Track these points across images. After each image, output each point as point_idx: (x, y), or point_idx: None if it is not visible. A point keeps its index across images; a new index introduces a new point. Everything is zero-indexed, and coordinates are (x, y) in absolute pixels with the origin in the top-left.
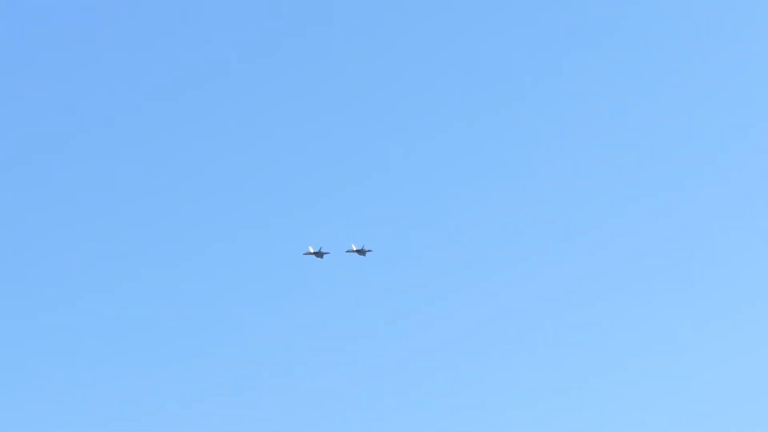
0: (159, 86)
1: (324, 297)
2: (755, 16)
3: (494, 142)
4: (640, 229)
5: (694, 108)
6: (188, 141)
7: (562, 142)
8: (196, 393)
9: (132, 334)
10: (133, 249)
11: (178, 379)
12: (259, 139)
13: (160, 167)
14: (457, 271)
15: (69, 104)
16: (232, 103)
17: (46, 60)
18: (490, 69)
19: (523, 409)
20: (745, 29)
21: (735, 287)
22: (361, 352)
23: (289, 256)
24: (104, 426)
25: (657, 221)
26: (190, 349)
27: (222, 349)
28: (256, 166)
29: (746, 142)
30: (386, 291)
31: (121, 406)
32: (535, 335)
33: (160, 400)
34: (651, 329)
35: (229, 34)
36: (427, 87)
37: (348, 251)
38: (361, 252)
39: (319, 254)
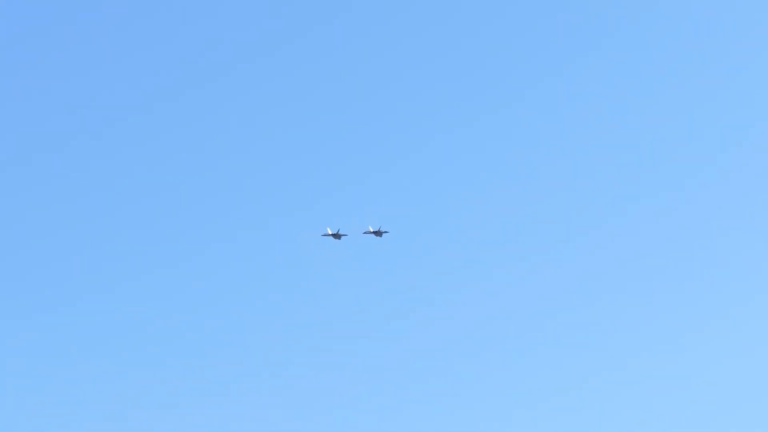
0: (158, 85)
1: (331, 290)
2: (755, 17)
3: (494, 141)
4: (640, 229)
5: (694, 108)
6: (187, 140)
7: (562, 141)
8: (196, 393)
9: (131, 334)
10: (132, 249)
11: (178, 379)
12: (259, 136)
13: (159, 167)
14: (457, 270)
15: (69, 103)
16: (232, 100)
17: (46, 59)
18: (490, 69)
19: (523, 409)
20: (746, 29)
21: (735, 287)
22: (363, 350)
23: (292, 251)
24: (104, 426)
25: (657, 221)
26: (189, 349)
27: (221, 349)
28: (256, 164)
29: (746, 142)
30: (385, 291)
31: (121, 406)
32: (535, 335)
33: (160, 400)
34: (651, 329)
35: (229, 33)
36: (427, 87)
37: (365, 232)
38: (377, 233)
39: (337, 236)
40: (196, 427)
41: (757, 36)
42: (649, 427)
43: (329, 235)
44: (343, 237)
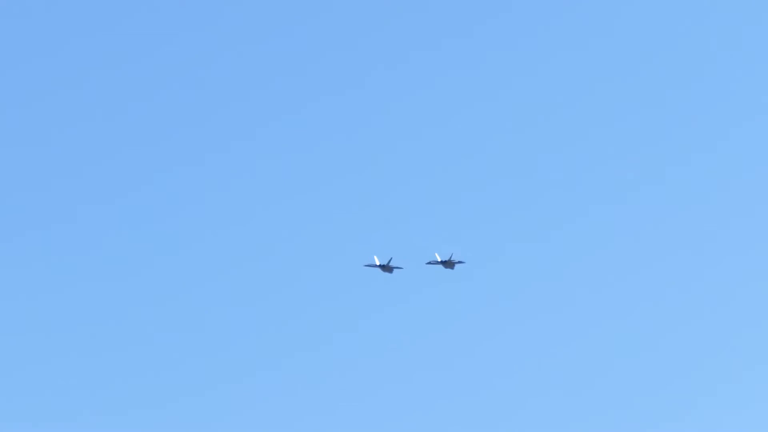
0: (156, 85)
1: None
2: (755, 17)
3: (493, 141)
4: (640, 227)
5: (694, 107)
6: (188, 139)
7: (563, 141)
8: (195, 392)
9: (130, 334)
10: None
11: (177, 378)
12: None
13: (159, 166)
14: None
15: (67, 102)
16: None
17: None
18: (489, 69)
19: (523, 409)
20: (745, 29)
21: (735, 287)
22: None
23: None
24: (103, 425)
25: (657, 220)
26: (187, 348)
27: (220, 348)
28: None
29: (746, 141)
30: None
31: (120, 405)
32: (534, 334)
33: (160, 399)
34: (651, 329)
35: (228, 31)
36: (426, 87)
37: (430, 263)
38: (448, 264)
39: (387, 268)
40: (196, 426)
41: (757, 36)
42: (648, 427)
43: (377, 266)
44: (395, 270)
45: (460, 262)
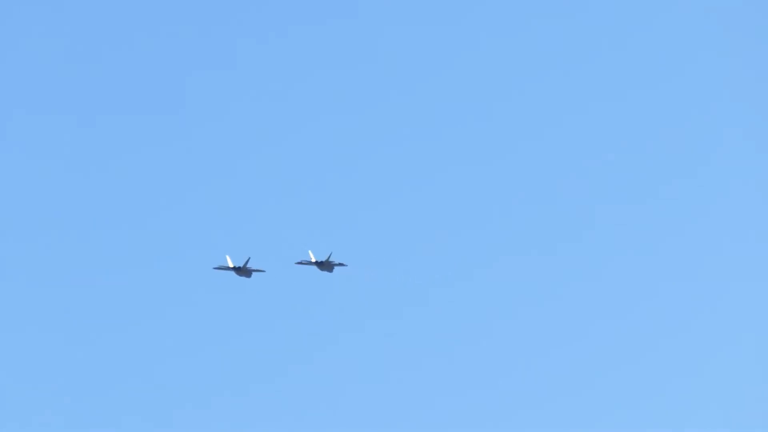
0: (157, 84)
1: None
2: (755, 17)
3: (494, 141)
4: (640, 228)
5: (694, 108)
6: (187, 139)
7: (563, 141)
8: (196, 392)
9: (130, 334)
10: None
11: (177, 379)
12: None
13: (159, 166)
14: (458, 268)
15: (67, 101)
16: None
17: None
18: (490, 69)
19: (523, 408)
20: (745, 29)
21: (735, 287)
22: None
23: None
24: (102, 425)
25: (657, 221)
26: (187, 348)
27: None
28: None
29: (746, 141)
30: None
31: (119, 405)
32: (535, 334)
33: (160, 399)
34: (651, 329)
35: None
36: (426, 87)
37: (299, 262)
38: (324, 265)
39: (243, 270)
40: (196, 426)
41: (757, 36)
42: (648, 426)
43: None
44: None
45: (341, 264)
